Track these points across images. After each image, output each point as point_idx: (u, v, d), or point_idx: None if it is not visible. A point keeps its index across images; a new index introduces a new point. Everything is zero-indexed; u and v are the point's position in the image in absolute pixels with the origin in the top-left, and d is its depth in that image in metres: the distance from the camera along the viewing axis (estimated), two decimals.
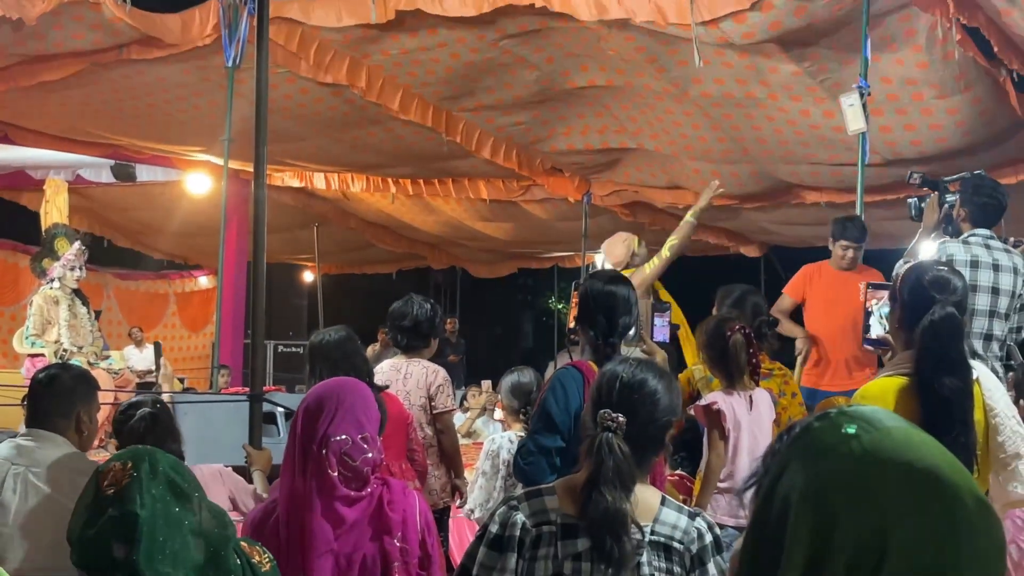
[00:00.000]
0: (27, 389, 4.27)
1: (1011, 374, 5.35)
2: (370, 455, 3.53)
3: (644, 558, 2.85)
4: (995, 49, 7.83)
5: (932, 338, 3.29)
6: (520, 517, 2.90)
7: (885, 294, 3.79)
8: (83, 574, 3.61)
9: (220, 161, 10.20)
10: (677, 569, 2.89)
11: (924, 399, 3.23)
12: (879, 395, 3.28)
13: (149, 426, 4.19)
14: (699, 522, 2.96)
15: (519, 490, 3.26)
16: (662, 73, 9.20)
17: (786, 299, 7.22)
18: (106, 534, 2.72)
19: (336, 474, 3.46)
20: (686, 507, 3.05)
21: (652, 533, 2.88)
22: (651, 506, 2.93)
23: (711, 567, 2.92)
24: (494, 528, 2.92)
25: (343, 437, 3.49)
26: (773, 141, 10.31)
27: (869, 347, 3.85)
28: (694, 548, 2.92)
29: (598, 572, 2.82)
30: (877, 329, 3.80)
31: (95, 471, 2.91)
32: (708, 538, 2.94)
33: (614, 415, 2.89)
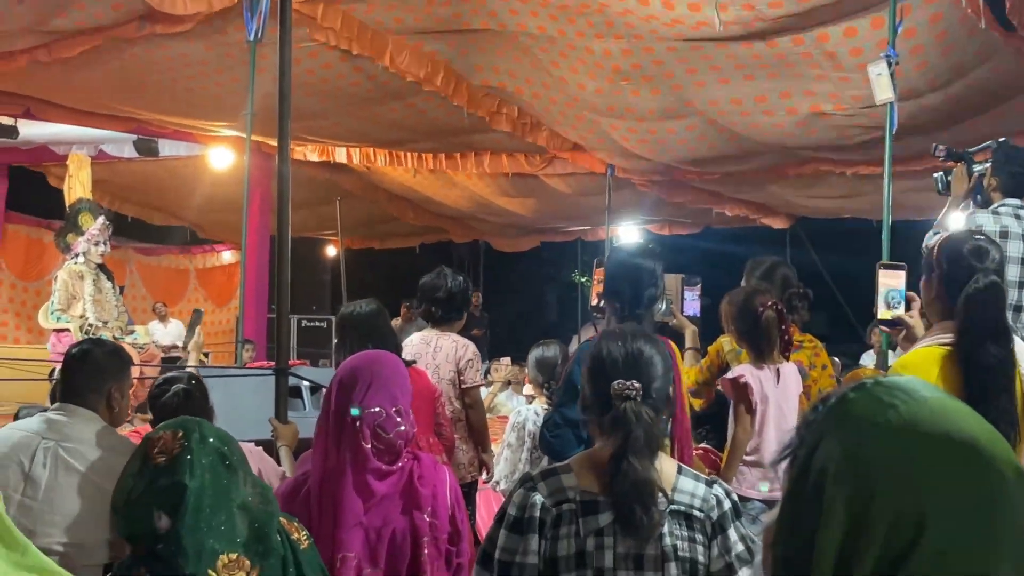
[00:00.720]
0: (53, 364, 4.30)
1: None
2: (403, 428, 3.54)
3: (666, 528, 2.84)
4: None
5: (975, 307, 3.27)
6: (538, 498, 2.87)
7: (898, 273, 3.77)
8: (118, 551, 3.66)
9: (243, 135, 10.21)
10: (699, 537, 2.89)
11: (968, 368, 3.22)
12: (921, 365, 3.26)
13: (182, 402, 4.21)
14: (716, 489, 2.97)
15: (544, 463, 3.26)
16: (692, 53, 9.16)
17: None
18: (152, 504, 2.74)
19: (369, 446, 3.47)
20: (702, 475, 3.05)
21: (673, 502, 2.88)
22: (669, 475, 2.93)
23: (731, 533, 2.93)
24: (513, 511, 2.90)
25: (377, 409, 3.50)
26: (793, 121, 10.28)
27: (885, 328, 3.81)
28: (714, 515, 2.93)
29: (621, 545, 2.82)
30: (887, 310, 3.77)
31: (144, 439, 2.93)
32: (727, 504, 2.96)
33: (629, 383, 2.88)
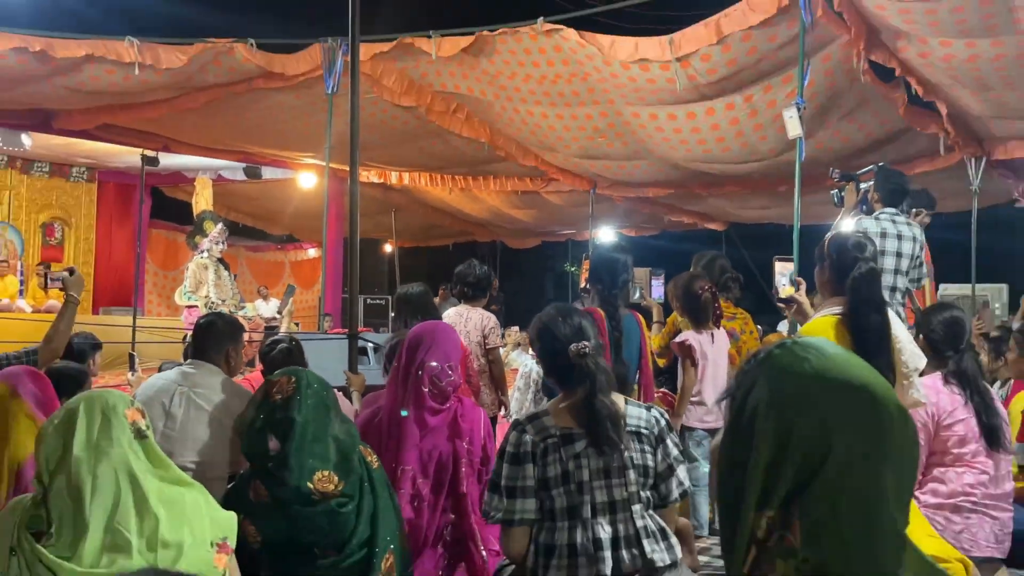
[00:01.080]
0: (185, 331, 4.30)
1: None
2: (452, 378, 3.59)
3: (624, 442, 2.88)
4: (896, 72, 7.77)
5: (860, 287, 3.27)
6: (528, 437, 2.89)
7: (788, 264, 3.77)
8: (235, 468, 3.67)
9: (323, 163, 10.21)
10: (647, 448, 2.92)
11: (855, 331, 3.22)
12: (821, 329, 3.25)
13: (285, 356, 4.20)
14: (654, 412, 3.02)
15: (545, 404, 3.27)
16: (642, 102, 9.12)
17: None
18: (267, 430, 2.75)
19: (427, 391, 3.51)
20: (643, 404, 3.09)
21: (626, 425, 2.91)
22: (620, 406, 2.95)
23: (668, 442, 2.97)
24: (510, 448, 2.91)
25: (435, 364, 3.54)
26: (726, 150, 10.25)
27: (781, 304, 3.82)
28: (656, 431, 2.96)
29: (594, 462, 2.84)
30: (781, 292, 3.77)
31: (265, 381, 2.94)
32: (663, 422, 3.00)
33: (582, 344, 2.92)
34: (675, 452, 2.97)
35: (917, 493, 3.71)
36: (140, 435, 2.05)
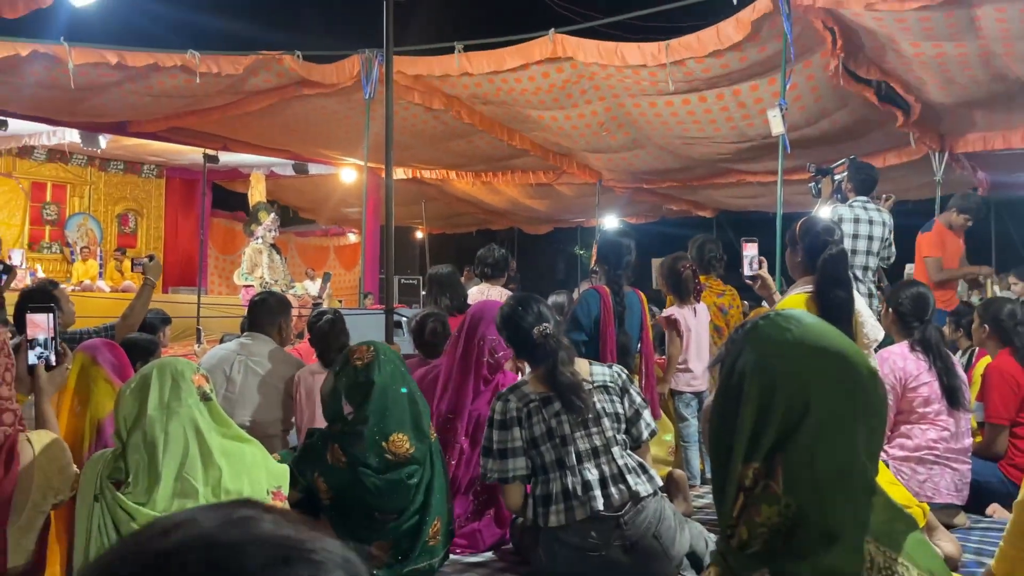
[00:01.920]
0: (245, 307, 4.32)
1: (882, 289, 5.35)
2: (505, 353, 3.62)
3: (594, 397, 2.97)
4: (869, 74, 7.69)
5: (828, 267, 3.25)
6: (512, 404, 2.97)
7: (753, 244, 3.73)
8: (287, 424, 3.68)
9: (361, 161, 10.20)
10: (615, 398, 3.02)
11: (823, 306, 3.21)
12: (795, 304, 3.24)
13: (330, 327, 4.18)
14: (615, 368, 3.13)
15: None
16: (643, 99, 9.06)
17: (939, 259, 6.31)
18: (346, 394, 2.78)
19: (485, 360, 3.52)
20: (604, 363, 3.17)
21: (593, 382, 3.00)
22: (585, 368, 3.06)
23: (631, 391, 3.07)
24: (497, 416, 2.98)
25: (493, 337, 3.54)
26: (715, 140, 10.17)
27: (749, 282, 3.77)
28: (619, 383, 3.06)
29: (572, 416, 2.92)
30: (748, 270, 3.73)
31: (346, 350, 2.98)
32: (624, 375, 3.10)
33: (542, 326, 3.00)
34: (639, 400, 3.07)
35: (886, 447, 3.72)
36: (205, 397, 2.07)
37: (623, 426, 2.99)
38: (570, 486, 2.85)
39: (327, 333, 4.10)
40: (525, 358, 3.13)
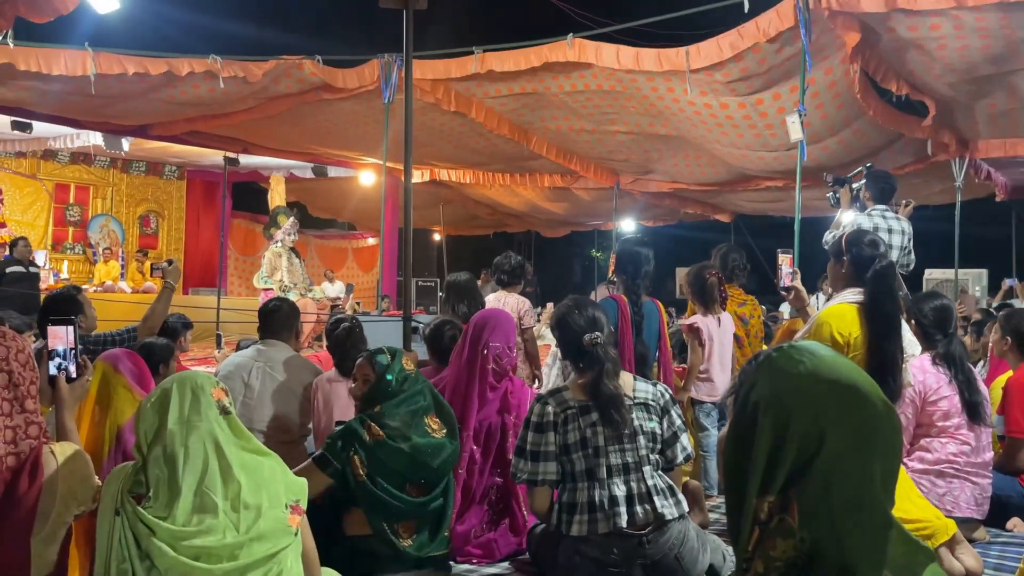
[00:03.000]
0: (259, 315, 4.33)
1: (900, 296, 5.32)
2: (511, 358, 3.63)
3: (634, 413, 2.95)
4: (891, 86, 7.63)
5: (880, 279, 3.23)
6: (550, 408, 2.97)
7: (788, 255, 3.72)
8: (304, 430, 3.71)
9: (380, 162, 10.23)
10: (654, 417, 3.00)
11: (874, 317, 3.19)
12: (840, 315, 3.24)
13: (348, 334, 4.18)
14: (660, 387, 3.10)
15: (561, 380, 3.33)
16: (663, 103, 9.03)
17: None
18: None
19: (490, 367, 3.52)
20: (649, 380, 3.15)
21: (635, 398, 2.98)
22: (629, 382, 3.03)
23: (672, 412, 3.04)
24: (534, 418, 2.98)
25: (497, 344, 3.54)
26: (735, 145, 10.13)
27: (783, 293, 3.75)
28: (661, 403, 3.03)
29: (608, 429, 2.91)
30: (783, 282, 3.71)
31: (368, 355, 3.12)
32: (668, 395, 3.08)
33: (594, 335, 2.99)
34: (679, 422, 3.03)
35: (906, 460, 3.71)
36: (224, 411, 2.08)
37: (658, 446, 2.97)
38: (597, 498, 2.85)
39: (344, 341, 4.11)
40: (571, 361, 3.10)
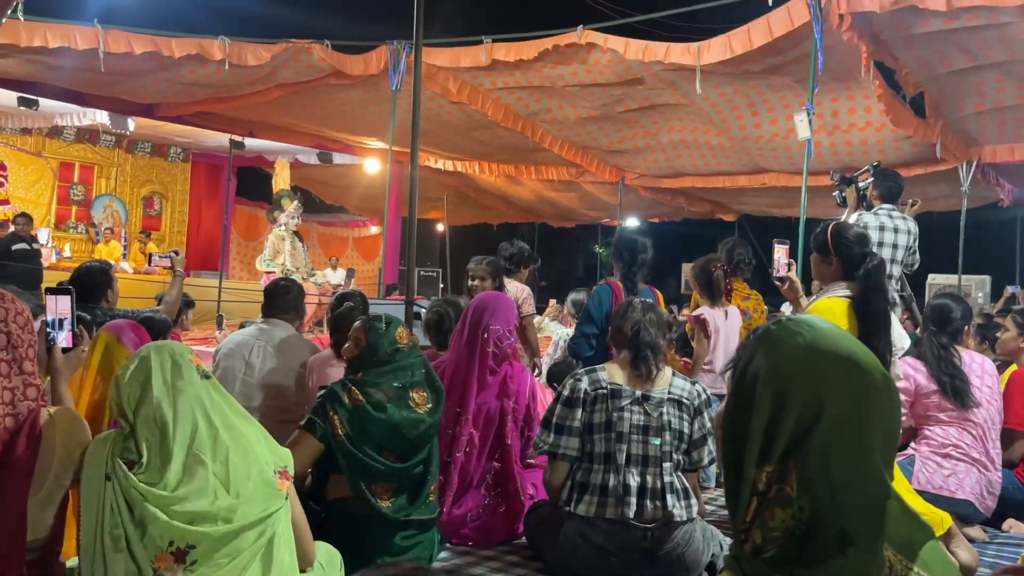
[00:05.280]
0: (265, 294, 4.36)
1: (903, 296, 5.35)
2: (511, 341, 3.62)
3: (665, 408, 2.93)
4: (904, 86, 7.62)
5: (871, 276, 3.23)
6: (583, 385, 2.97)
7: (784, 246, 3.71)
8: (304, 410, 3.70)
9: (387, 146, 10.21)
10: (686, 416, 2.98)
11: (862, 314, 3.19)
12: (828, 309, 3.23)
13: (349, 312, 4.16)
14: (698, 387, 3.07)
15: (580, 367, 3.31)
16: (675, 96, 9.02)
17: None
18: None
19: (490, 351, 3.51)
20: (689, 379, 3.11)
21: (670, 393, 2.96)
22: (667, 376, 3.02)
23: (706, 415, 3.02)
24: (566, 392, 2.99)
25: (497, 327, 3.53)
26: (745, 146, 10.11)
27: (777, 283, 3.74)
28: (696, 403, 3.01)
29: (635, 417, 2.90)
30: (777, 272, 3.71)
31: (364, 319, 3.11)
32: (704, 396, 3.05)
33: (648, 316, 3.04)
34: (710, 425, 3.01)
35: (915, 445, 3.90)
36: (205, 376, 2.09)
37: (683, 445, 2.96)
38: (610, 483, 2.85)
39: (347, 319, 4.08)
40: (617, 340, 3.10)
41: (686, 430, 2.96)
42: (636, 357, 2.96)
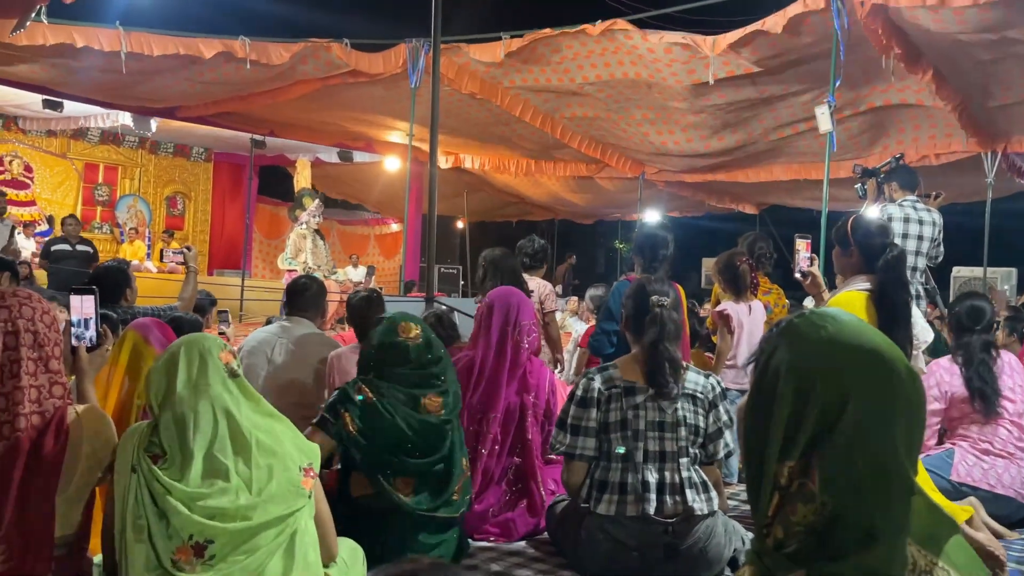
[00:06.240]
0: (287, 292, 4.40)
1: (927, 289, 5.29)
2: (535, 336, 3.60)
3: (679, 404, 2.91)
4: (920, 76, 7.54)
5: (891, 268, 3.19)
6: (596, 384, 2.95)
7: (806, 240, 3.66)
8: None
9: (406, 143, 10.22)
10: (700, 410, 2.95)
11: (883, 307, 3.14)
12: (847, 302, 3.19)
13: (364, 302, 4.16)
14: (711, 380, 3.05)
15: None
16: (684, 93, 8.96)
17: None
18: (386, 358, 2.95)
19: (524, 347, 3.52)
20: (702, 371, 3.09)
21: (684, 388, 2.94)
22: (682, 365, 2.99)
23: (720, 408, 3.00)
24: (579, 392, 2.97)
25: (526, 323, 3.52)
26: (763, 135, 10.04)
27: (799, 278, 3.70)
28: (710, 396, 2.99)
29: (651, 415, 2.88)
30: (800, 267, 3.67)
31: (392, 322, 3.05)
32: (718, 390, 3.03)
33: (662, 296, 2.98)
34: (725, 417, 3.00)
35: (953, 440, 3.85)
36: (232, 374, 2.09)
37: (699, 439, 2.94)
38: (629, 481, 2.84)
39: (364, 308, 4.09)
40: (631, 330, 3.07)
41: (701, 424, 2.94)
42: (652, 373, 2.90)
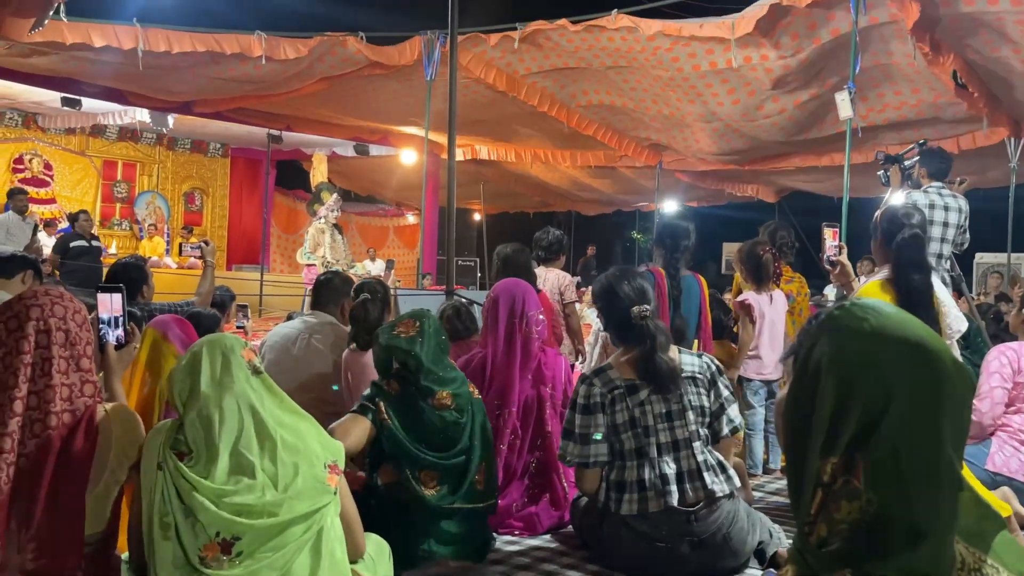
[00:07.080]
0: (306, 285, 4.40)
1: (953, 277, 5.21)
2: (542, 328, 3.56)
3: (681, 388, 2.91)
4: (944, 61, 7.44)
5: (903, 250, 3.15)
6: (596, 389, 2.92)
7: (834, 229, 3.61)
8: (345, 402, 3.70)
9: (423, 135, 10.21)
10: (702, 390, 2.96)
11: (899, 290, 3.11)
12: (869, 292, 3.16)
13: (364, 309, 4.14)
14: (705, 358, 3.05)
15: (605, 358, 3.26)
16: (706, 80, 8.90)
17: None
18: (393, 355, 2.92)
19: (534, 338, 3.49)
20: (694, 352, 3.10)
21: (682, 372, 2.94)
22: (675, 356, 2.97)
23: (719, 383, 3.00)
24: (581, 400, 2.94)
25: (533, 313, 3.50)
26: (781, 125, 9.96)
27: (828, 267, 3.65)
28: (708, 375, 2.99)
29: (657, 407, 2.87)
30: (828, 256, 3.62)
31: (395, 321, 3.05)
32: (713, 367, 3.03)
33: (643, 307, 2.93)
34: (726, 393, 2.99)
35: (996, 430, 3.73)
36: (255, 372, 2.09)
37: (707, 420, 2.93)
38: (647, 477, 2.81)
39: (360, 317, 4.01)
40: (615, 335, 3.03)
41: (706, 404, 2.94)
42: (649, 354, 2.87)
